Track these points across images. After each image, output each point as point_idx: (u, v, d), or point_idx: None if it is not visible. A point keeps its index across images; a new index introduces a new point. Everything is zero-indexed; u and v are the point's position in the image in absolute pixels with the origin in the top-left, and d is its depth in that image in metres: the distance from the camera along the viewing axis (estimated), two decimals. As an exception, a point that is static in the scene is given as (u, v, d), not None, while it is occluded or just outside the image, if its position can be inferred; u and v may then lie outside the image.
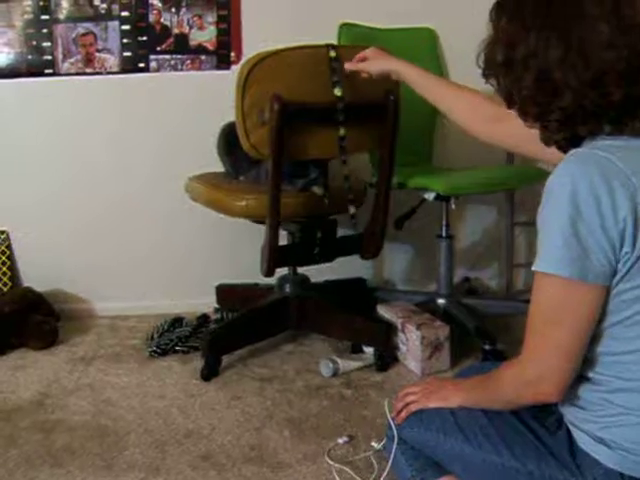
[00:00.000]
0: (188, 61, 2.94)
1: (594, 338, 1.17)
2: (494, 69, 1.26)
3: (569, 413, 1.27)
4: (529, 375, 1.21)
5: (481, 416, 1.34)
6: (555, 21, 1.15)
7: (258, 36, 2.85)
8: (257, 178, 2.48)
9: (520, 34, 1.18)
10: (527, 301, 2.82)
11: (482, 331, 2.53)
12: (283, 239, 2.44)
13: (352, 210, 2.33)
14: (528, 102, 1.21)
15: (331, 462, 1.87)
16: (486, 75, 1.29)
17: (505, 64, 1.22)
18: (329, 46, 2.18)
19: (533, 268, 1.17)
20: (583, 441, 1.23)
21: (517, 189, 3.03)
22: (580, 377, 1.22)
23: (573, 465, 1.23)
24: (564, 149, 1.22)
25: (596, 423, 1.21)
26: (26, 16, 2.86)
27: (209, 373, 2.42)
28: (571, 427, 1.26)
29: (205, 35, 2.92)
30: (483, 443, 1.32)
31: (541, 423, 1.32)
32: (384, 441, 1.56)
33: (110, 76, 2.94)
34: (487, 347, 2.44)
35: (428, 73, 1.85)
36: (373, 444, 1.89)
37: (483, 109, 1.69)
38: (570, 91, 1.13)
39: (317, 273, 2.75)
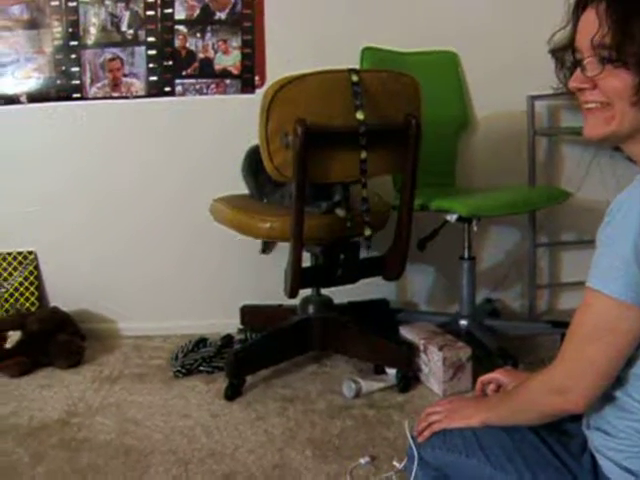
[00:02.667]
0: (213, 85, 2.99)
1: (629, 359, 1.17)
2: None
3: (595, 439, 1.25)
4: (558, 383, 1.20)
5: (505, 438, 1.33)
6: None
7: (282, 61, 2.89)
8: (281, 200, 2.50)
9: None
10: (550, 322, 2.86)
11: (504, 352, 2.52)
12: (307, 261, 2.46)
13: (367, 232, 2.34)
14: None
15: (353, 482, 1.88)
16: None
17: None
18: (351, 70, 2.21)
19: (587, 283, 1.15)
20: (608, 469, 1.21)
21: (539, 210, 3.04)
22: (608, 398, 1.21)
23: None
24: None
25: (622, 452, 1.19)
26: (56, 42, 2.92)
27: (233, 393, 2.44)
28: (596, 454, 1.24)
29: (230, 60, 2.97)
30: (505, 465, 1.30)
31: (565, 447, 1.30)
32: (405, 461, 1.57)
33: (136, 100, 2.99)
34: (509, 368, 2.44)
35: None
36: (395, 464, 1.90)
37: None
38: None
39: (340, 294, 2.77)
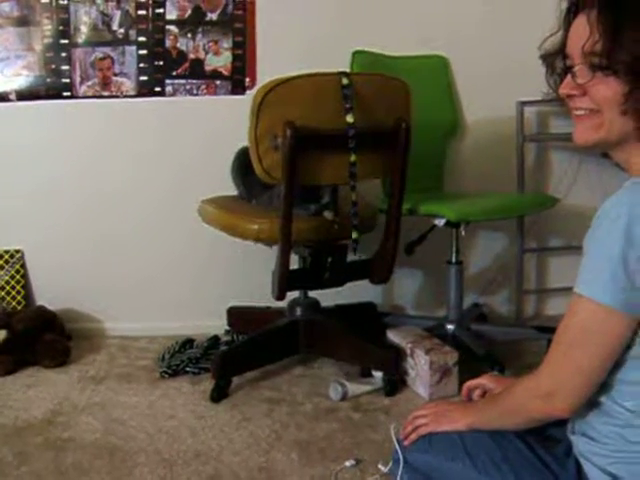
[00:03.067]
0: (203, 86, 2.99)
1: (615, 364, 1.17)
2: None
3: (580, 444, 1.26)
4: (544, 388, 1.21)
5: (490, 443, 1.33)
6: None
7: (272, 62, 2.90)
8: (269, 202, 2.50)
9: None
10: (536, 328, 2.88)
11: (491, 357, 2.53)
12: (294, 263, 2.46)
13: (354, 235, 2.34)
14: None
15: (338, 485, 1.88)
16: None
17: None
18: (341, 73, 2.21)
19: (574, 289, 1.16)
20: (593, 474, 1.22)
21: (527, 215, 3.05)
22: (593, 404, 1.21)
23: None
24: None
25: (607, 457, 1.19)
26: (46, 40, 2.91)
27: (219, 394, 2.44)
28: (581, 459, 1.25)
29: (220, 60, 2.97)
30: (490, 470, 1.30)
31: (549, 451, 1.31)
32: (390, 464, 1.57)
33: (126, 99, 2.99)
34: (496, 373, 2.44)
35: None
36: (380, 467, 1.90)
37: None
38: None
39: (328, 297, 2.77)
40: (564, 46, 1.21)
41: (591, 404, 1.21)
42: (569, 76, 1.19)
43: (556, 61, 1.27)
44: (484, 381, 1.58)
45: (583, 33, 1.13)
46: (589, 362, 1.16)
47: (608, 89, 1.13)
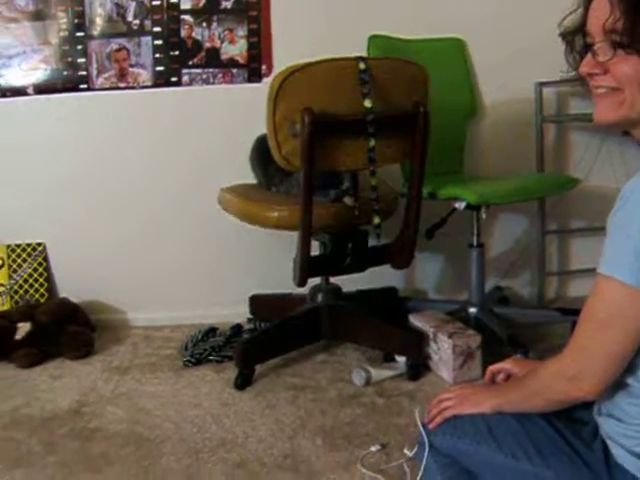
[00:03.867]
0: (220, 75, 2.98)
1: None
2: None
3: (607, 425, 1.25)
4: (570, 371, 1.20)
5: (515, 425, 1.33)
6: None
7: (288, 49, 2.88)
8: (289, 189, 2.50)
9: None
10: (559, 310, 2.86)
11: (514, 340, 2.53)
12: (315, 249, 2.46)
13: (377, 220, 2.34)
14: None
15: (364, 470, 1.88)
16: None
17: None
18: (359, 58, 2.20)
19: (597, 270, 1.15)
20: (620, 456, 1.21)
21: (548, 197, 3.03)
22: (620, 385, 1.21)
23: (608, 478, 1.21)
24: None
25: (634, 439, 1.19)
26: (62, 33, 2.92)
27: (243, 382, 2.44)
28: (608, 441, 1.25)
29: (236, 49, 2.96)
30: (516, 452, 1.30)
31: (576, 433, 1.31)
32: (416, 448, 1.57)
33: (143, 90, 2.99)
34: (519, 356, 2.43)
35: None
36: (405, 452, 1.90)
37: None
38: None
39: (349, 283, 2.77)
40: (584, 24, 1.19)
41: (618, 385, 1.21)
42: (589, 54, 1.17)
43: (576, 39, 1.25)
44: (507, 365, 1.58)
45: (604, 11, 1.12)
46: (614, 344, 1.15)
47: (629, 67, 1.12)
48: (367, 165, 2.27)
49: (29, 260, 3.07)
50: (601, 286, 1.16)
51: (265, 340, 2.61)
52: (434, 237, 2.70)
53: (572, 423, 1.34)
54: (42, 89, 2.97)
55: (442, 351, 2.46)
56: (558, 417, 1.33)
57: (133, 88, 2.99)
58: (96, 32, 2.93)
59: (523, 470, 1.29)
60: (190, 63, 2.98)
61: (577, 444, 1.29)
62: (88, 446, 2.07)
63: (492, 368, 1.61)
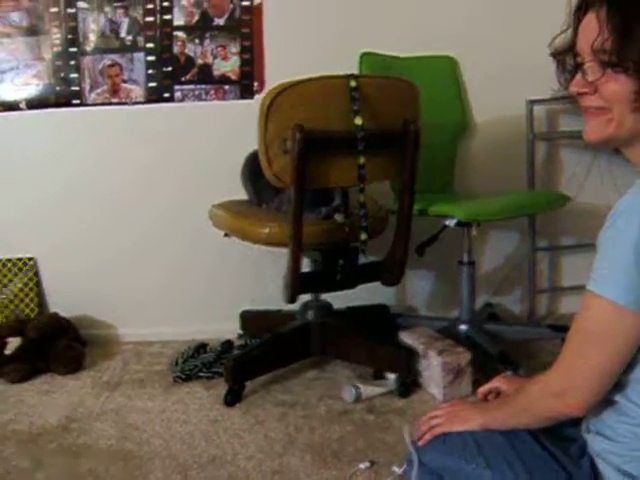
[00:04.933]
0: (212, 91, 2.99)
1: (629, 363, 1.16)
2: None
3: (595, 443, 1.25)
4: (557, 387, 1.21)
5: (504, 442, 1.33)
6: None
7: (280, 66, 2.90)
8: (280, 206, 2.51)
9: None
10: (550, 326, 2.86)
11: (504, 357, 2.53)
12: (306, 266, 2.46)
13: (363, 237, 2.34)
14: None
15: (353, 487, 1.88)
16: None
17: None
18: (350, 76, 2.21)
19: (587, 287, 1.16)
20: (608, 473, 1.21)
21: (538, 214, 3.04)
22: (608, 402, 1.21)
23: None
24: None
25: (622, 456, 1.19)
26: (55, 49, 2.93)
27: (233, 399, 2.44)
28: (596, 458, 1.25)
29: (228, 65, 2.98)
30: (505, 470, 1.29)
31: (564, 451, 1.30)
32: (404, 466, 1.56)
33: (136, 106, 3.00)
34: (509, 373, 2.44)
35: None
36: (394, 469, 1.90)
37: None
38: None
39: (340, 299, 2.77)
40: (574, 44, 1.20)
41: (606, 403, 1.21)
42: (579, 74, 1.18)
43: (567, 58, 1.27)
44: (496, 383, 1.58)
45: (593, 31, 1.13)
46: (602, 361, 1.15)
47: (618, 86, 1.13)
48: (357, 182, 2.27)
49: (19, 275, 3.06)
50: (590, 304, 1.16)
51: (255, 356, 2.61)
52: (425, 254, 2.71)
53: (560, 440, 1.34)
54: (35, 104, 2.97)
55: (432, 368, 2.46)
56: (546, 434, 1.32)
57: (125, 104, 3.00)
58: (89, 48, 2.94)
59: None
60: (182, 79, 2.99)
61: (565, 461, 1.28)
62: (76, 462, 2.06)
63: (482, 390, 1.61)
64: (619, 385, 1.18)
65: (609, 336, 1.14)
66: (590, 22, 1.15)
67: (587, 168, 3.10)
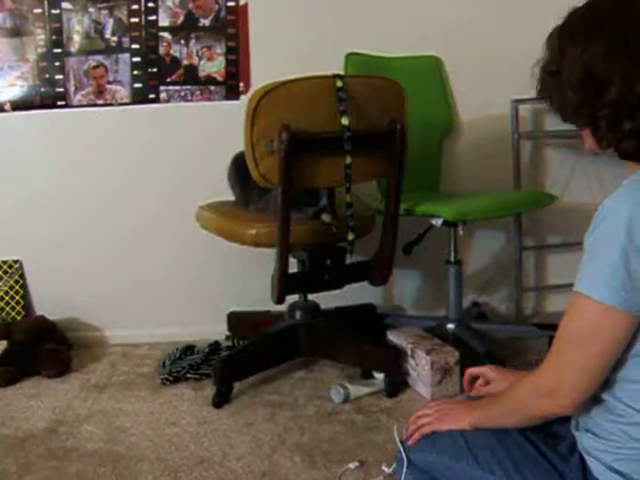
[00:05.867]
0: (198, 92, 2.99)
1: (617, 362, 1.17)
2: (545, 83, 1.28)
3: (584, 441, 1.25)
4: (546, 386, 1.21)
5: (493, 440, 1.33)
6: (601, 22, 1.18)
7: (266, 67, 2.90)
8: (267, 206, 2.51)
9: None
10: (537, 325, 2.88)
11: (492, 355, 2.53)
12: (293, 267, 2.46)
13: (350, 237, 2.35)
14: (577, 105, 1.22)
15: (342, 488, 1.88)
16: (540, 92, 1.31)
17: (554, 73, 1.24)
18: (336, 76, 2.21)
19: (575, 288, 1.16)
20: (598, 471, 1.22)
21: (525, 213, 3.05)
22: (597, 401, 1.22)
23: None
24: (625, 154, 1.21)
25: (612, 454, 1.19)
26: (39, 50, 2.91)
27: (221, 400, 2.44)
28: (586, 455, 1.25)
29: (214, 66, 2.97)
30: (494, 468, 1.30)
31: (554, 449, 1.31)
32: (394, 465, 1.57)
33: (121, 107, 2.98)
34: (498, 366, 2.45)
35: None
36: (384, 468, 1.90)
37: None
38: (615, 86, 1.14)
39: (327, 300, 2.77)
40: None
41: (595, 401, 1.22)
42: None
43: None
44: (486, 370, 1.60)
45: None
46: (591, 360, 1.16)
47: (588, 139, 1.26)
48: (344, 182, 2.27)
49: (5, 277, 3.04)
50: (578, 304, 1.17)
51: (243, 357, 2.60)
52: (412, 253, 2.71)
53: (549, 438, 1.35)
54: (19, 106, 2.95)
55: (420, 367, 2.46)
56: (535, 432, 1.33)
57: (111, 105, 2.98)
58: (74, 49, 2.93)
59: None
60: (168, 80, 2.98)
61: (554, 459, 1.29)
62: (64, 465, 2.06)
63: (470, 371, 1.62)
64: (608, 384, 1.19)
65: (598, 336, 1.15)
66: None
67: (572, 167, 3.12)
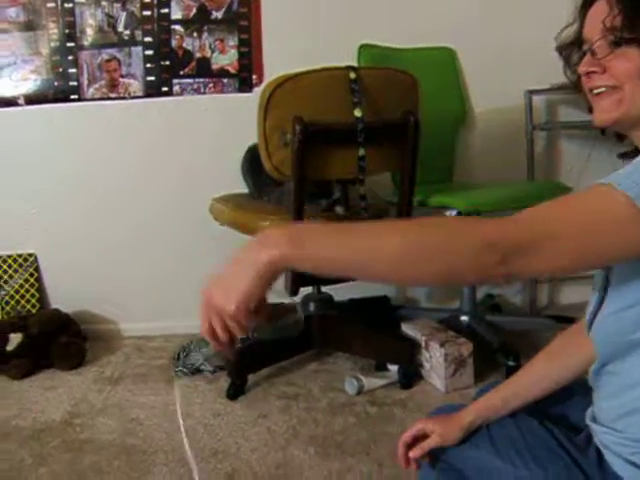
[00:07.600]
0: (210, 84, 2.99)
1: None
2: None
3: (601, 433, 1.25)
4: (492, 233, 0.98)
5: (513, 429, 1.32)
6: None
7: (279, 59, 2.89)
8: (280, 199, 2.50)
9: None
10: (551, 317, 2.85)
11: (506, 347, 2.53)
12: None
13: None
14: None
15: (357, 479, 1.88)
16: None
17: None
18: (349, 68, 2.20)
19: (601, 181, 1.03)
20: (615, 463, 1.19)
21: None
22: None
23: None
24: None
25: (630, 447, 1.17)
26: (52, 44, 2.92)
27: (235, 392, 2.44)
28: (603, 449, 1.23)
29: (227, 58, 2.97)
30: (514, 459, 1.29)
31: (571, 440, 1.29)
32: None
33: (134, 100, 2.99)
34: (511, 363, 2.44)
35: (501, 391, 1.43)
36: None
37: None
38: None
39: (341, 292, 2.77)
40: (580, 35, 1.19)
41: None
42: (588, 54, 1.17)
43: (572, 52, 1.25)
44: (421, 425, 1.42)
45: (603, 13, 1.12)
46: (574, 248, 1.01)
47: (628, 61, 1.09)
48: (358, 174, 2.27)
49: (20, 271, 3.06)
50: (601, 192, 1.03)
51: (257, 350, 2.61)
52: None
53: (567, 428, 1.34)
54: (33, 99, 2.96)
55: (434, 359, 2.46)
56: (553, 422, 1.32)
57: (124, 98, 2.99)
58: (87, 42, 2.94)
59: (520, 476, 1.29)
60: (181, 73, 2.98)
61: (573, 451, 1.27)
62: (79, 457, 2.07)
63: (406, 437, 1.43)
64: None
65: (605, 233, 1.00)
66: (599, 7, 1.14)
67: (587, 158, 3.10)
